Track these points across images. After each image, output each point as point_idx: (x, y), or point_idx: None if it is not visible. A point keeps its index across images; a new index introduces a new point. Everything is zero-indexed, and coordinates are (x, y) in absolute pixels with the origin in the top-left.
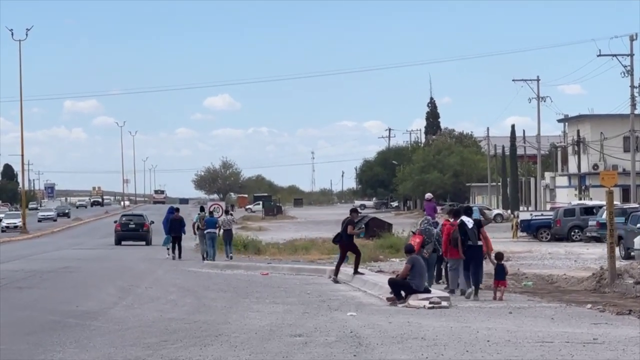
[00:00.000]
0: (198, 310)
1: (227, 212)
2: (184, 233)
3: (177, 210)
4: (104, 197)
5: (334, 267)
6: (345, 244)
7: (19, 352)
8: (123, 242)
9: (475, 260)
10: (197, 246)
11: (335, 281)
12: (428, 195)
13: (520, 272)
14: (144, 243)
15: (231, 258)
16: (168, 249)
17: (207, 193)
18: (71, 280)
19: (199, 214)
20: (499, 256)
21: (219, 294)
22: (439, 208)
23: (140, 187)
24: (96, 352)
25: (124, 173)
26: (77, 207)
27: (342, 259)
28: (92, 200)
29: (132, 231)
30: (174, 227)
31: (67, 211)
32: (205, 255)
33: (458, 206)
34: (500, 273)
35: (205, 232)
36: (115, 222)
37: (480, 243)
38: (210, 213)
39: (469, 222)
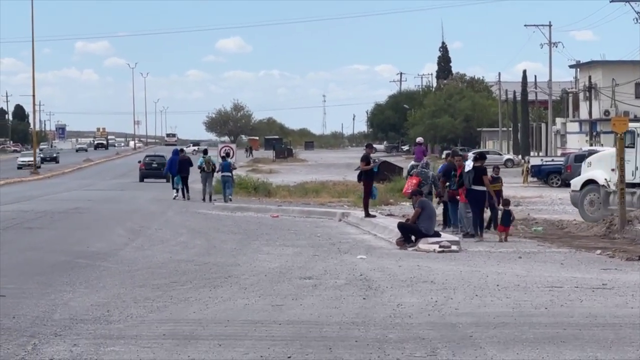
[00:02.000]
0: (208, 252)
1: (228, 155)
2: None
3: (182, 150)
4: (110, 138)
5: (343, 210)
6: (364, 180)
7: (28, 292)
8: (145, 180)
9: (471, 203)
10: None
11: (370, 216)
12: (419, 139)
13: (530, 217)
14: (164, 180)
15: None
16: (177, 190)
17: (218, 135)
18: (81, 221)
19: (203, 156)
20: (506, 202)
21: (229, 235)
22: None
23: (151, 128)
24: (106, 292)
25: (135, 114)
26: (76, 151)
27: (368, 196)
28: (95, 142)
29: (154, 170)
30: (182, 167)
31: (55, 155)
32: (209, 197)
33: (452, 149)
34: (506, 219)
35: (220, 175)
36: (139, 162)
37: (475, 187)
38: (223, 157)
39: (468, 165)
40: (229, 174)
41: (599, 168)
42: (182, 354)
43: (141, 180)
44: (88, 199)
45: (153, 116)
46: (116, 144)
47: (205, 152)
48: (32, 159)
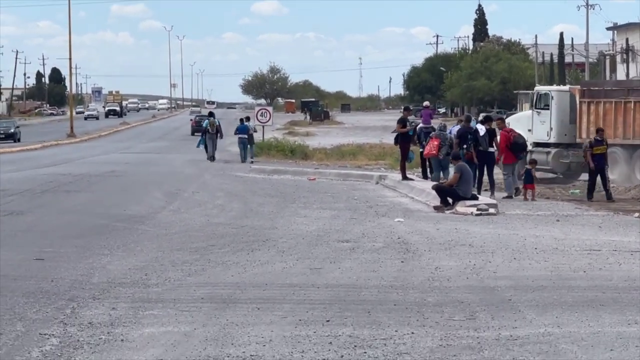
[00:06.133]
0: (245, 215)
1: (247, 119)
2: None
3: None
4: (133, 102)
5: (380, 173)
6: (401, 143)
7: (67, 255)
8: (195, 134)
9: (487, 164)
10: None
11: (407, 179)
12: (426, 102)
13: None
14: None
15: (252, 162)
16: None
17: (254, 98)
18: (118, 184)
19: (208, 119)
20: (533, 161)
21: (266, 199)
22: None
23: (188, 91)
24: (143, 255)
25: (171, 77)
26: (85, 119)
27: (404, 158)
28: (107, 109)
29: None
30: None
31: (12, 131)
32: (211, 157)
33: (466, 115)
34: (528, 177)
35: (238, 137)
36: (191, 119)
37: (491, 149)
38: (242, 120)
39: (481, 129)
40: (245, 136)
41: (517, 128)
42: (221, 318)
43: (192, 134)
44: (125, 161)
45: (189, 79)
46: (140, 106)
47: (210, 114)
48: None
